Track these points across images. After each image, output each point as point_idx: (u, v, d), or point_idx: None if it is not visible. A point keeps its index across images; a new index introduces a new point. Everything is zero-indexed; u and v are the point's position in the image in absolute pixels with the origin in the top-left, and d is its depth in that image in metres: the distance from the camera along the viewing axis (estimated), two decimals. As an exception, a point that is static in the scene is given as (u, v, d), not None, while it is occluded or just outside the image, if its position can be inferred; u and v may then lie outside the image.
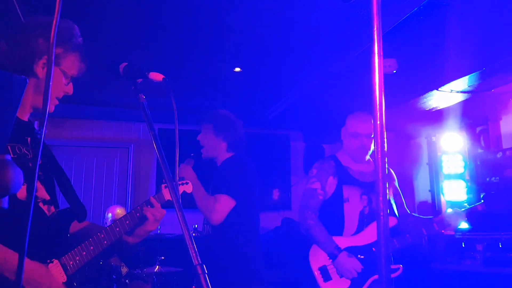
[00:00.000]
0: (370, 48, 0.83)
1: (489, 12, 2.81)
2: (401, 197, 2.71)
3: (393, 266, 2.44)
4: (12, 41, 1.45)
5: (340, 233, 2.47)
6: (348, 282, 2.36)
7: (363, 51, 3.39)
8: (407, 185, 6.33)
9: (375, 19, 0.82)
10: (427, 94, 4.25)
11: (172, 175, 1.19)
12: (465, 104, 4.48)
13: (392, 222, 2.49)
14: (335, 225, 2.49)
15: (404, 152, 6.49)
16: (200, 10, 2.95)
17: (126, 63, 1.39)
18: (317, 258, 2.44)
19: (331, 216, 2.54)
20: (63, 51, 1.49)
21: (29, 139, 1.51)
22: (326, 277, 2.39)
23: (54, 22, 0.85)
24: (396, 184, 2.75)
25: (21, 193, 1.38)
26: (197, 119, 2.98)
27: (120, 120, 5.79)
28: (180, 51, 3.66)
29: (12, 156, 1.39)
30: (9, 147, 1.39)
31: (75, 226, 1.64)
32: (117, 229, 1.57)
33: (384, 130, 0.80)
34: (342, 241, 2.44)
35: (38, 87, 1.46)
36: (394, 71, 3.50)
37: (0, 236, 1.29)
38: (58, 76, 1.49)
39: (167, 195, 1.76)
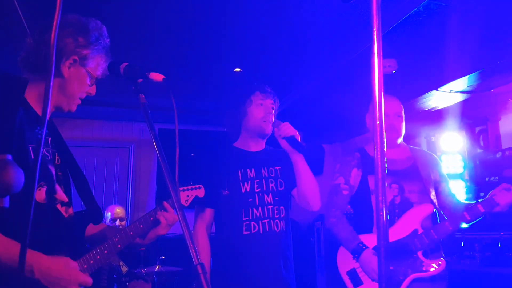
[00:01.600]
0: (370, 48, 0.83)
1: (489, 13, 2.81)
2: (445, 184, 2.37)
3: (433, 262, 2.17)
4: (40, 38, 1.43)
5: (370, 229, 2.23)
6: None
7: (363, 51, 3.40)
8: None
9: (375, 19, 0.82)
10: (426, 94, 4.25)
11: (172, 175, 1.19)
12: (464, 104, 4.48)
13: (428, 209, 2.21)
14: (365, 221, 2.26)
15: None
16: (200, 10, 2.95)
17: (127, 63, 1.39)
18: (345, 261, 2.24)
19: (360, 211, 2.32)
20: (91, 53, 1.48)
21: (49, 139, 1.52)
22: (356, 282, 2.17)
23: (54, 23, 0.85)
24: (439, 170, 2.41)
25: (40, 196, 1.39)
26: (197, 119, 2.97)
27: (121, 120, 5.79)
28: (180, 51, 3.66)
29: (33, 157, 1.37)
30: (30, 148, 1.37)
31: (91, 229, 1.64)
32: (131, 233, 1.57)
33: (384, 130, 0.80)
34: (371, 239, 2.18)
35: (62, 87, 1.46)
36: (394, 71, 3.50)
37: (16, 236, 1.28)
38: (83, 77, 1.48)
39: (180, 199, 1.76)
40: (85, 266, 1.45)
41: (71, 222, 1.51)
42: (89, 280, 1.38)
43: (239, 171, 2.21)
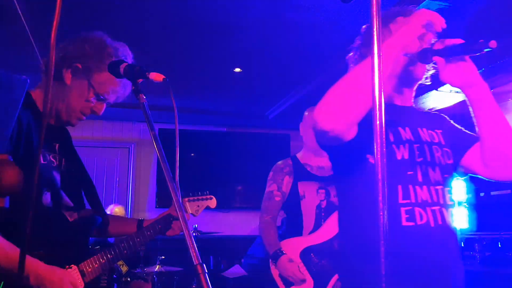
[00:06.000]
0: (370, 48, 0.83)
1: (489, 13, 2.81)
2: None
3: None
4: (62, 44, 1.47)
5: (300, 233, 2.40)
6: (311, 285, 2.24)
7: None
8: (407, 185, 6.33)
9: (375, 19, 0.82)
10: (426, 94, 4.25)
11: (173, 175, 1.19)
12: (464, 104, 4.48)
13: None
14: (295, 225, 2.43)
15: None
16: (201, 10, 2.95)
17: (127, 63, 1.39)
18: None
19: (291, 216, 2.49)
20: (96, 65, 1.47)
21: (57, 145, 1.52)
22: (288, 283, 2.29)
23: (54, 22, 0.85)
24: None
25: (46, 200, 1.41)
26: (197, 119, 2.98)
27: (121, 120, 5.80)
28: (180, 51, 3.66)
29: (42, 162, 1.41)
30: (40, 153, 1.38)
31: (112, 228, 1.69)
32: (138, 239, 1.60)
33: (384, 130, 0.80)
34: (301, 242, 2.35)
35: (62, 93, 1.47)
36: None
37: (16, 238, 1.30)
38: (83, 88, 1.47)
39: (188, 209, 1.79)
40: (90, 269, 1.47)
41: (75, 226, 1.52)
42: None
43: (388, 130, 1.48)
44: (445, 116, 1.66)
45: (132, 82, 1.34)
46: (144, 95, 1.32)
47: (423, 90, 4.22)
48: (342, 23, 3.10)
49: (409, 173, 1.39)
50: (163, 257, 3.86)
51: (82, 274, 1.46)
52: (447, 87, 3.96)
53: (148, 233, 1.63)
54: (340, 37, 3.33)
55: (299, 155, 2.61)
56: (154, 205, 5.64)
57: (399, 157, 1.40)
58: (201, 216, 2.63)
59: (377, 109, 0.79)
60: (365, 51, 1.50)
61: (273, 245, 2.35)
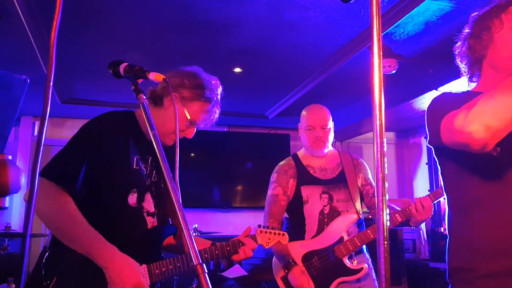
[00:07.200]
0: (370, 48, 0.83)
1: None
2: (370, 187, 2.52)
3: (357, 266, 2.29)
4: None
5: (302, 237, 2.39)
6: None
7: (363, 51, 3.40)
8: (407, 185, 6.34)
9: (375, 19, 0.82)
10: (426, 94, 4.25)
11: (173, 175, 1.19)
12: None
13: (352, 218, 2.34)
14: (298, 229, 2.41)
15: (404, 152, 6.49)
16: (201, 10, 2.95)
17: (127, 63, 1.39)
18: (278, 268, 2.35)
19: (293, 219, 2.48)
20: (191, 96, 1.67)
21: (150, 158, 1.68)
22: (289, 286, 2.29)
23: (54, 22, 0.85)
24: (365, 174, 2.54)
25: (132, 200, 1.57)
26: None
27: (120, 120, 5.79)
28: (180, 51, 3.66)
29: (134, 167, 1.60)
30: (135, 158, 1.60)
31: (171, 240, 1.80)
32: (206, 255, 1.69)
33: (384, 130, 0.80)
34: (303, 246, 2.34)
35: (161, 116, 1.64)
36: (394, 71, 3.50)
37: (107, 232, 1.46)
38: (181, 113, 1.65)
39: (259, 240, 1.83)
40: (157, 271, 1.57)
41: (152, 232, 1.65)
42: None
43: None
44: None
45: (132, 82, 1.35)
46: (144, 95, 1.32)
47: (423, 90, 4.23)
48: (342, 23, 3.10)
49: None
50: (162, 256, 3.85)
51: (150, 274, 1.56)
52: (447, 87, 3.95)
53: (217, 252, 1.71)
54: (340, 37, 3.33)
55: (300, 154, 2.57)
56: (154, 205, 5.64)
57: None
58: (201, 216, 2.64)
59: (377, 109, 0.79)
60: (473, 43, 1.42)
61: (284, 253, 2.31)
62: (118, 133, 1.58)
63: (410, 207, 2.26)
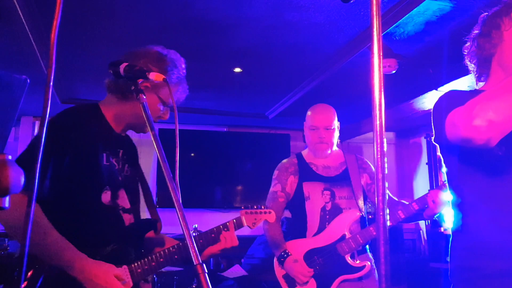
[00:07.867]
0: (370, 48, 0.83)
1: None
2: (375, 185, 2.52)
3: (360, 264, 2.28)
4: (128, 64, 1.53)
5: (304, 234, 2.37)
6: (314, 287, 2.24)
7: (363, 51, 3.40)
8: (407, 185, 6.34)
9: (375, 19, 0.82)
10: (426, 94, 4.25)
11: (173, 175, 1.19)
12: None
13: (355, 215, 2.34)
14: (299, 226, 2.39)
15: (403, 152, 6.49)
16: (200, 10, 2.95)
17: (127, 63, 1.39)
18: (279, 266, 2.35)
19: (295, 217, 2.46)
20: (161, 82, 1.55)
21: (121, 152, 1.63)
22: (291, 284, 2.28)
23: (54, 22, 0.85)
24: (369, 173, 2.53)
25: (105, 198, 1.51)
26: (197, 119, 2.97)
27: (120, 120, 5.79)
28: (180, 51, 3.66)
29: (105, 163, 1.52)
30: (104, 154, 1.53)
31: (151, 234, 1.72)
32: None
33: (384, 130, 0.80)
34: (305, 243, 2.32)
35: (134, 107, 1.54)
36: (394, 71, 3.50)
37: (76, 233, 1.40)
38: (153, 101, 1.59)
39: (244, 222, 1.79)
40: (139, 271, 1.51)
41: (131, 229, 1.59)
42: None
43: None
44: None
45: (132, 82, 1.34)
46: (144, 95, 1.32)
47: (423, 90, 4.22)
48: (342, 23, 3.10)
49: None
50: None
51: (132, 274, 1.50)
52: (447, 87, 3.95)
53: (201, 241, 1.66)
54: (340, 37, 3.33)
55: (304, 153, 2.57)
56: (154, 205, 5.64)
57: None
58: (201, 216, 2.64)
59: (377, 109, 0.79)
60: (483, 41, 1.42)
61: (279, 247, 2.33)
62: (83, 128, 1.50)
63: (427, 197, 2.20)
